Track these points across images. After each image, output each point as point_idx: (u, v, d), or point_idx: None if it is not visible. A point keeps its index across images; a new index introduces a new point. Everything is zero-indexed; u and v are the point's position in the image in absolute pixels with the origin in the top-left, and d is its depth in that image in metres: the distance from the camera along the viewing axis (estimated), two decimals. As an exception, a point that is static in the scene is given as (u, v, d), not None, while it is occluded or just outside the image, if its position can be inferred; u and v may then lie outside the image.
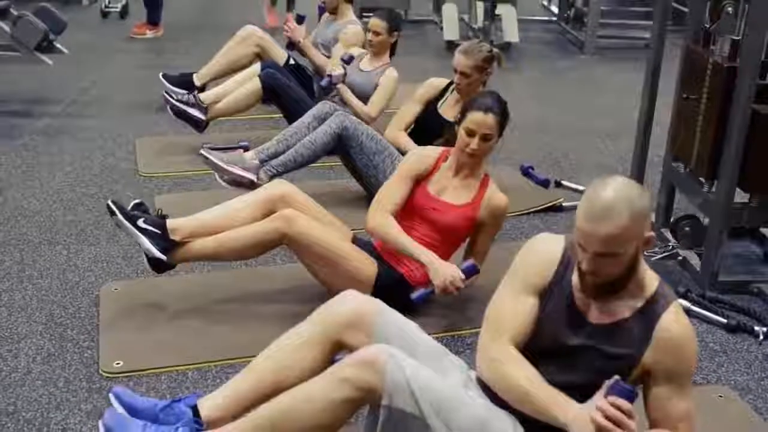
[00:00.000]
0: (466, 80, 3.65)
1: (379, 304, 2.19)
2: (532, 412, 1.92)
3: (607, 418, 1.76)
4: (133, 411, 2.13)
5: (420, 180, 2.99)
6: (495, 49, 3.73)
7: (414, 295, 2.87)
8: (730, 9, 3.16)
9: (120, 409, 2.13)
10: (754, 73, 3.06)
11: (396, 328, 2.14)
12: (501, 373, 1.96)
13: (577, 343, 1.97)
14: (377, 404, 1.91)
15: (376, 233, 2.95)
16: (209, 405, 2.13)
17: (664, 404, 1.95)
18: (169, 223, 2.88)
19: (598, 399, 1.81)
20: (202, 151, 3.79)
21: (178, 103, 4.50)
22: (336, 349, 2.16)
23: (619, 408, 1.77)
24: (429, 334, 2.24)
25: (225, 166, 3.73)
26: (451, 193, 2.97)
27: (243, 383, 2.15)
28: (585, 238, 1.84)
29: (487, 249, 3.05)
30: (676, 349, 1.93)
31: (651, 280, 1.98)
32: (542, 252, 2.06)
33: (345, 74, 4.29)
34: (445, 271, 2.80)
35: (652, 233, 1.91)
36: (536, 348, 2.01)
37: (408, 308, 2.90)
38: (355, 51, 4.48)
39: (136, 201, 2.97)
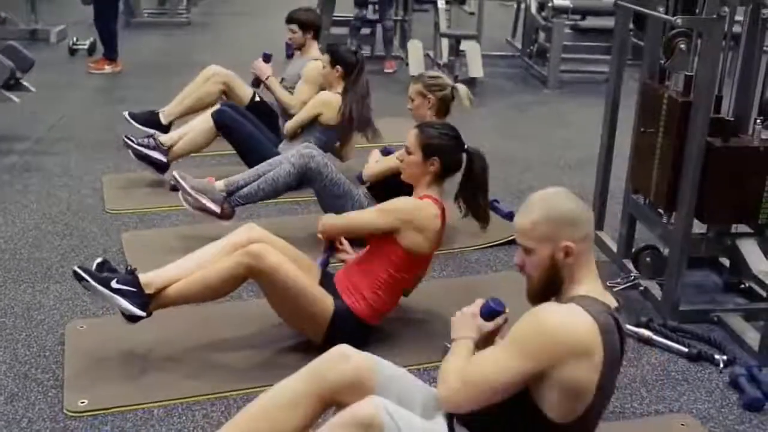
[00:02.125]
0: (412, 103, 3.83)
1: (373, 360, 2.18)
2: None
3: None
4: None
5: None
6: (458, 85, 3.80)
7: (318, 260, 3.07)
8: (683, 46, 3.26)
9: None
10: (708, 107, 3.15)
11: (390, 382, 2.13)
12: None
13: None
14: None
15: (330, 233, 3.10)
16: None
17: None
18: (142, 277, 2.85)
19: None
20: (174, 173, 3.79)
21: (139, 147, 4.52)
22: (327, 408, 2.12)
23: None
24: (409, 366, 2.28)
25: (193, 193, 3.74)
26: None
27: None
28: (515, 228, 2.04)
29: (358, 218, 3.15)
30: (522, 316, 1.94)
31: (579, 290, 1.99)
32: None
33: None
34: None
35: (571, 244, 1.95)
36: None
37: (361, 345, 2.95)
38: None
39: (99, 260, 2.91)
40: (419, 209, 2.97)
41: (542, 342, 1.87)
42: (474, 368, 1.97)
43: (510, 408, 1.95)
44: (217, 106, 4.70)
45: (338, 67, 4.39)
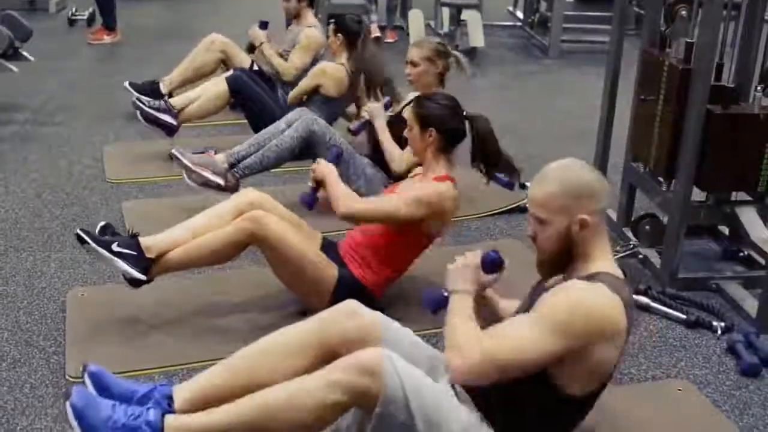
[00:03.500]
0: (415, 69, 3.73)
1: (380, 317, 2.18)
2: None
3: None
4: (108, 394, 2.10)
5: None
6: (456, 53, 3.78)
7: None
8: (684, 12, 3.24)
9: (91, 389, 2.09)
10: (708, 74, 3.14)
11: (396, 340, 2.13)
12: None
13: None
14: (369, 409, 1.90)
15: (350, 216, 2.99)
16: (183, 397, 2.10)
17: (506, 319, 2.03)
18: (143, 241, 2.87)
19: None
20: (173, 151, 3.79)
21: (149, 110, 4.50)
22: (328, 361, 2.06)
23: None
24: (417, 332, 2.26)
25: (195, 168, 3.74)
26: (405, 187, 3.07)
27: (220, 379, 2.11)
28: (528, 198, 2.02)
29: (378, 200, 3.06)
30: (554, 290, 1.93)
31: (598, 265, 1.97)
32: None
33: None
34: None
35: (587, 217, 1.92)
36: None
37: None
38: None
39: (103, 224, 2.94)
40: (444, 197, 2.92)
41: (576, 322, 1.84)
42: (499, 342, 1.89)
43: (522, 378, 1.93)
44: (230, 72, 4.70)
45: (340, 35, 4.37)
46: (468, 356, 1.88)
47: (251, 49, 4.91)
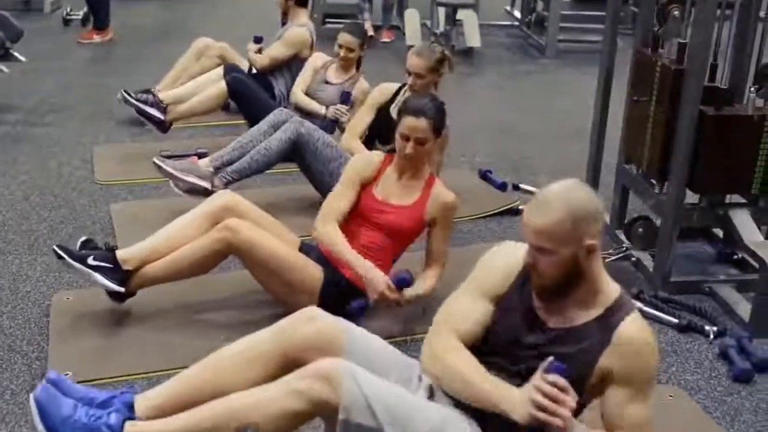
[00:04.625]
0: (421, 81, 3.63)
1: (343, 323, 2.14)
2: (474, 400, 1.92)
3: (544, 395, 1.78)
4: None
5: (366, 185, 3.00)
6: (446, 51, 3.74)
7: (350, 306, 2.84)
8: (676, 12, 3.20)
9: (54, 392, 2.07)
10: (701, 75, 3.10)
11: (361, 348, 2.09)
12: (442, 363, 1.97)
13: (532, 341, 1.96)
14: (333, 418, 1.88)
15: (322, 242, 2.95)
16: (145, 405, 2.08)
17: (621, 408, 1.94)
18: (119, 254, 2.87)
19: (535, 379, 1.82)
20: (155, 160, 3.76)
21: (137, 102, 4.49)
22: (289, 369, 2.05)
23: (554, 384, 1.79)
24: (389, 339, 2.25)
25: (179, 175, 3.70)
26: (397, 195, 2.98)
27: (182, 387, 2.10)
28: (523, 228, 1.88)
29: (442, 248, 3.03)
30: (635, 354, 1.92)
31: (611, 291, 1.96)
32: (503, 260, 2.04)
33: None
34: (378, 282, 2.79)
35: (595, 242, 1.86)
36: (488, 350, 2.01)
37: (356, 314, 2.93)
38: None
39: (84, 238, 2.95)
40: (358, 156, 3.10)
41: (482, 261, 2.07)
42: (439, 311, 2.09)
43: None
44: (219, 71, 4.69)
45: (365, 47, 4.41)
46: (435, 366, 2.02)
47: (249, 71, 4.90)
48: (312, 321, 2.11)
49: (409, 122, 2.86)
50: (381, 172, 3.01)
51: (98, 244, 2.95)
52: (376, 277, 2.80)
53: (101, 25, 7.19)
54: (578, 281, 1.92)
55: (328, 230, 2.91)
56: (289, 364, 2.04)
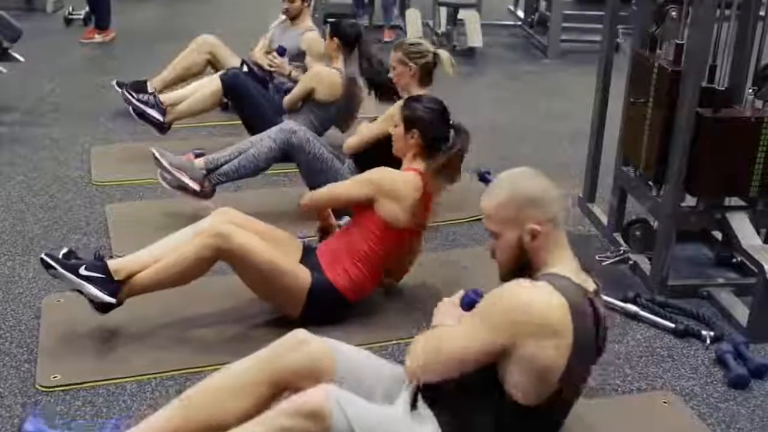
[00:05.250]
0: (393, 72, 3.72)
1: (332, 345, 2.12)
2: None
3: None
4: None
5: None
6: (440, 52, 3.71)
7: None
8: (674, 13, 3.16)
9: None
10: (698, 76, 3.06)
11: (350, 367, 2.08)
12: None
13: None
14: None
15: (311, 205, 3.13)
16: None
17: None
18: (111, 264, 2.81)
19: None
20: (153, 149, 3.73)
21: (138, 103, 4.48)
22: (281, 393, 2.05)
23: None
24: (373, 344, 2.25)
25: (172, 170, 3.68)
26: None
27: (173, 419, 2.06)
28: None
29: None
30: (492, 292, 1.92)
31: (550, 269, 1.94)
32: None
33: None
34: None
35: (537, 227, 1.89)
36: None
37: (339, 320, 2.92)
38: None
39: (66, 250, 2.85)
40: (395, 179, 2.95)
41: (508, 316, 1.84)
42: (437, 339, 1.95)
43: (476, 386, 1.91)
44: (223, 71, 4.66)
45: (336, 39, 4.33)
46: (415, 356, 1.96)
47: (270, 75, 4.88)
48: (301, 345, 2.09)
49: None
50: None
51: (78, 255, 2.87)
52: None
53: (102, 25, 7.18)
54: (529, 270, 1.94)
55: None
56: (278, 389, 2.03)
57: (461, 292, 2.18)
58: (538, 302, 1.83)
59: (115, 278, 2.78)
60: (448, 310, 2.12)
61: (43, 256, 2.76)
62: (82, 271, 2.75)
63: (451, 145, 2.93)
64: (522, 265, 1.93)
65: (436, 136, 2.99)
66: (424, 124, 2.98)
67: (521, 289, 1.86)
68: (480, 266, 2.21)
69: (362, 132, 3.75)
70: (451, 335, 1.93)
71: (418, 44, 3.71)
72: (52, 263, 2.74)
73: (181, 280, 2.85)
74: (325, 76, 4.35)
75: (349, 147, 3.79)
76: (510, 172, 1.99)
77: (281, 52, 4.75)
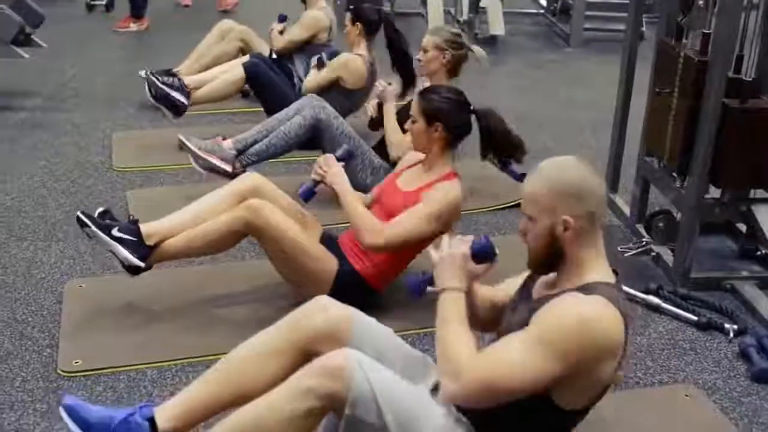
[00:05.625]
0: (425, 56, 3.66)
1: (352, 312, 2.12)
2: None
3: None
4: (86, 426, 2.05)
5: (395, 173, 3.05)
6: (474, 47, 3.69)
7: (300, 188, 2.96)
8: (701, 2, 3.12)
9: (72, 425, 2.05)
10: (725, 67, 3.02)
11: (369, 336, 2.08)
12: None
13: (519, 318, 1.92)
14: (342, 411, 1.85)
15: (379, 248, 2.90)
16: (166, 416, 2.05)
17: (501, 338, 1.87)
18: (143, 228, 2.84)
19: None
20: (180, 136, 3.74)
21: (162, 86, 4.43)
22: (305, 359, 2.03)
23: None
24: (408, 331, 2.21)
25: (202, 154, 3.69)
26: (407, 180, 2.99)
27: (202, 393, 2.07)
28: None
29: (400, 220, 2.84)
30: (548, 305, 1.81)
31: (592, 275, 1.87)
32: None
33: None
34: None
35: (569, 219, 1.82)
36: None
37: (369, 306, 2.89)
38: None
39: (102, 209, 2.90)
40: (458, 200, 2.89)
41: (574, 342, 1.73)
42: (495, 367, 1.77)
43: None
44: (246, 57, 4.66)
45: (359, 24, 4.31)
46: (463, 381, 1.77)
47: (270, 54, 4.91)
48: (322, 311, 2.10)
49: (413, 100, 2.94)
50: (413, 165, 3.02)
51: (114, 215, 2.92)
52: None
53: (139, 13, 7.15)
54: (563, 261, 1.89)
55: None
56: (303, 355, 2.04)
57: (468, 238, 2.01)
58: (602, 322, 1.75)
59: (147, 243, 2.81)
60: (454, 265, 1.96)
61: (78, 213, 2.81)
62: (115, 232, 2.79)
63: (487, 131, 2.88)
64: (551, 254, 1.88)
65: (461, 127, 2.92)
66: (446, 114, 2.87)
67: (581, 307, 1.76)
68: (504, 254, 2.12)
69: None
70: (512, 364, 1.76)
71: (458, 35, 3.68)
72: (87, 221, 2.78)
73: (209, 250, 2.93)
74: (352, 64, 4.33)
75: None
76: (555, 159, 1.91)
77: (282, 19, 4.84)
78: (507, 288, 2.12)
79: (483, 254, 1.99)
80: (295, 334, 2.09)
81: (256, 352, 2.09)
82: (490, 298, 2.13)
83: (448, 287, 1.96)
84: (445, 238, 2.09)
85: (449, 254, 1.99)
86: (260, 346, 2.10)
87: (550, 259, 1.89)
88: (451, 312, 1.92)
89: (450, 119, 2.88)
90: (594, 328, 1.74)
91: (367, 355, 1.94)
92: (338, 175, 2.91)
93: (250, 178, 3.04)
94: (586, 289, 1.82)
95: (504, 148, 2.94)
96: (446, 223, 2.86)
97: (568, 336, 1.73)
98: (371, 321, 2.15)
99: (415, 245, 2.92)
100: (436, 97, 2.90)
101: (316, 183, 2.96)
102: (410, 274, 2.79)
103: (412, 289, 2.15)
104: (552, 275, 1.94)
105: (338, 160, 2.98)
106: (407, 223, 2.83)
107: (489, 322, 2.10)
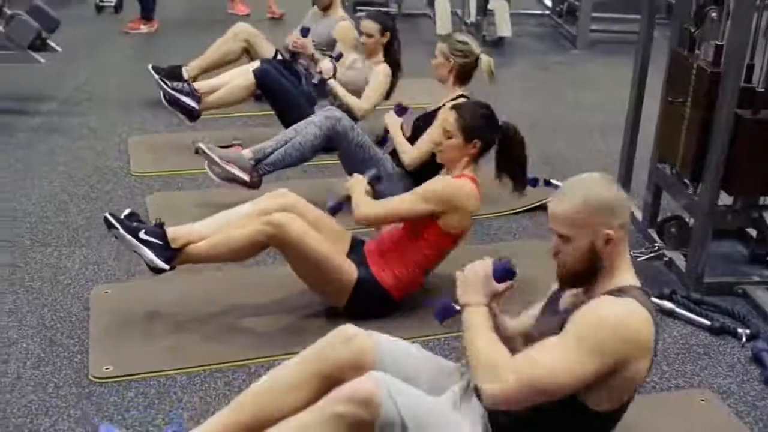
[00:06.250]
0: (433, 61, 3.77)
1: (375, 339, 2.18)
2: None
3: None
4: None
5: None
6: (482, 56, 3.73)
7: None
8: (714, 14, 3.18)
9: None
10: (737, 78, 3.08)
11: (393, 360, 2.14)
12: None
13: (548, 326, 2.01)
14: None
15: (368, 222, 3.13)
16: None
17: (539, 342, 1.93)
18: (170, 231, 2.91)
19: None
20: (200, 145, 3.78)
21: (172, 91, 4.50)
22: (330, 388, 2.07)
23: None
24: (426, 337, 2.27)
25: (221, 163, 3.73)
26: None
27: (228, 420, 2.14)
28: (549, 217, 1.96)
29: (397, 201, 3.06)
30: (586, 308, 1.89)
31: (623, 279, 1.96)
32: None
33: (335, 69, 4.31)
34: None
35: (611, 233, 1.90)
36: None
37: (383, 315, 2.99)
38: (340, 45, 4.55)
39: (128, 211, 2.97)
40: (459, 190, 2.97)
41: (611, 340, 1.82)
42: (534, 367, 1.84)
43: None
44: (256, 63, 4.69)
45: (387, 33, 4.34)
46: (503, 382, 1.84)
47: (294, 55, 4.93)
48: (347, 340, 2.15)
49: (444, 114, 3.02)
50: None
51: (140, 217, 2.98)
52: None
53: (149, 15, 7.20)
54: (596, 272, 1.95)
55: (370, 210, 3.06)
56: (327, 384, 2.08)
57: (488, 260, 2.08)
58: (637, 322, 1.84)
59: (172, 246, 2.87)
60: (477, 282, 2.04)
61: (106, 215, 2.87)
62: (142, 234, 2.85)
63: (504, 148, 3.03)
64: (588, 268, 1.94)
65: (493, 142, 3.04)
66: (485, 131, 2.99)
67: (616, 309, 1.85)
68: (521, 260, 2.20)
69: (420, 147, 3.70)
70: (554, 363, 1.83)
71: (465, 43, 3.74)
72: (115, 223, 2.84)
73: (231, 258, 3.01)
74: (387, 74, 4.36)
75: (414, 160, 3.71)
76: (580, 177, 1.98)
77: (305, 32, 4.80)
78: (529, 315, 2.23)
79: (503, 272, 2.08)
80: (319, 365, 2.14)
81: (282, 385, 2.15)
82: (520, 332, 2.19)
83: (472, 302, 2.04)
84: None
85: (472, 271, 2.08)
86: (285, 379, 2.16)
87: (589, 273, 1.95)
88: (478, 322, 2.00)
89: (487, 136, 2.99)
90: (629, 327, 1.84)
91: (389, 374, 2.01)
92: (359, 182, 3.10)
93: (279, 197, 3.07)
94: (620, 291, 1.91)
95: (523, 166, 3.10)
96: (446, 207, 2.95)
97: (606, 334, 1.83)
98: (394, 344, 2.21)
99: (429, 247, 3.01)
100: (473, 114, 2.99)
101: (345, 200, 3.11)
102: (434, 297, 2.85)
103: (435, 314, 2.24)
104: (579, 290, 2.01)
105: (367, 181, 3.14)
106: (398, 201, 3.05)
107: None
